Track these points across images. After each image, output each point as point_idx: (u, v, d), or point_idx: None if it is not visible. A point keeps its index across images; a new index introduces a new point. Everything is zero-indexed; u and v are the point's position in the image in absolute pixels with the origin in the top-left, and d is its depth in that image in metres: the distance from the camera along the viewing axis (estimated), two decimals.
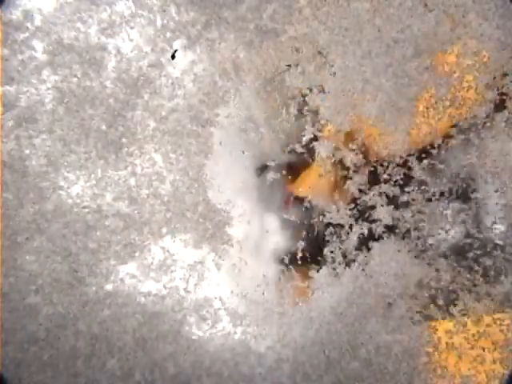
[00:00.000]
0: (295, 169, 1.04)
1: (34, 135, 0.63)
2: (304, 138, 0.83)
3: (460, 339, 0.67)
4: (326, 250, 0.74)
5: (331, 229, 0.78)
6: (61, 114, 0.64)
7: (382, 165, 0.80)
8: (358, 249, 0.73)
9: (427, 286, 0.70)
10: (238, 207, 0.71)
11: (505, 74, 0.77)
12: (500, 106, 0.80)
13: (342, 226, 0.76)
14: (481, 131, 0.77)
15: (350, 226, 0.75)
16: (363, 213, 0.79)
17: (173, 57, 0.68)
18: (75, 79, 0.64)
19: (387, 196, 0.84)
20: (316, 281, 0.70)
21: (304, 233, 1.09)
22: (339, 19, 0.69)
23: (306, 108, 0.78)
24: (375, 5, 0.71)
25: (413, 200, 0.86)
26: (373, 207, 0.81)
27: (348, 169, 0.81)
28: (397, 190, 0.84)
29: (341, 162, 0.83)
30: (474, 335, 0.66)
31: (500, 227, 0.84)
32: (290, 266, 0.83)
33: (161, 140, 0.67)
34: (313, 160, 0.94)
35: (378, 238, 0.74)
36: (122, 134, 0.66)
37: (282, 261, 0.80)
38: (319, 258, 0.76)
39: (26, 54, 0.64)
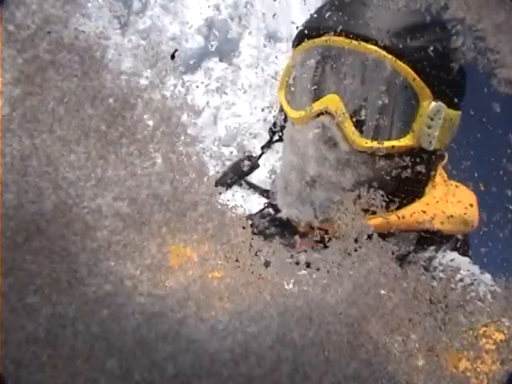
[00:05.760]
0: None
1: (36, 135, 0.63)
2: None
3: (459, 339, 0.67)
4: None
5: None
6: (61, 113, 0.64)
7: None
8: None
9: None
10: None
11: None
12: None
13: None
14: None
15: None
16: None
17: (172, 57, 0.69)
18: (75, 79, 0.64)
19: None
20: None
21: None
22: None
23: None
24: None
25: None
26: None
27: None
28: None
29: None
30: (474, 335, 0.66)
31: None
32: None
33: (161, 140, 0.67)
34: None
35: None
36: (122, 134, 0.67)
37: None
38: None
39: (29, 53, 0.64)
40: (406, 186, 1.05)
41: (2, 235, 0.61)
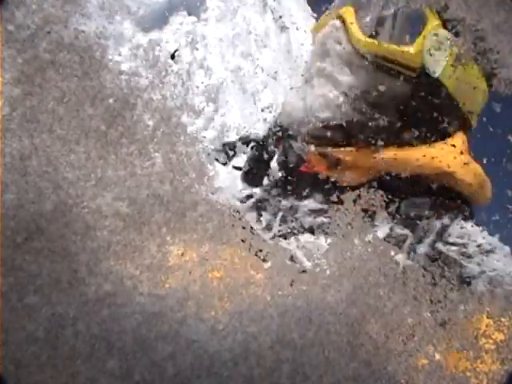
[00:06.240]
0: None
1: (35, 135, 0.63)
2: None
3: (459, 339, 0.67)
4: None
5: None
6: (61, 113, 0.64)
7: None
8: None
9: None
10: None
11: None
12: None
13: None
14: None
15: None
16: None
17: (172, 57, 0.69)
18: (75, 79, 0.64)
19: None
20: None
21: None
22: None
23: None
24: None
25: None
26: None
27: None
28: None
29: None
30: (474, 335, 0.67)
31: None
32: None
33: (161, 140, 0.68)
34: None
35: None
36: (122, 134, 0.67)
37: None
38: None
39: (29, 53, 0.64)
40: (417, 119, 1.01)
41: (2, 235, 0.61)
